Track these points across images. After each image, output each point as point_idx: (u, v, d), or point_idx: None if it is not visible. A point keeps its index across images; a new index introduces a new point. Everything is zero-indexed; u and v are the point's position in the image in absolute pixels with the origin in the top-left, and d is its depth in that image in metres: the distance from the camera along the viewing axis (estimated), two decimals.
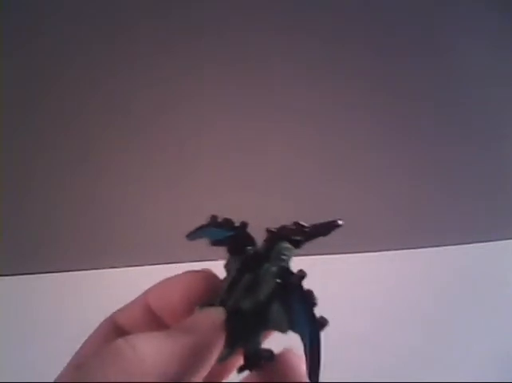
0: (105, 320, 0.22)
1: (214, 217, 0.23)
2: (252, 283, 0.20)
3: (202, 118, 0.58)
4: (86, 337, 0.21)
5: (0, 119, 0.53)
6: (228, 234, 0.23)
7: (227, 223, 0.23)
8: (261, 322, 0.20)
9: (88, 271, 0.53)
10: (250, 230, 0.23)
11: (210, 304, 0.20)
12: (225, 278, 0.22)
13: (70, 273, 0.52)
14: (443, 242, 0.62)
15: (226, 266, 0.22)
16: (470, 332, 0.58)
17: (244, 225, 0.23)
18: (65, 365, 0.21)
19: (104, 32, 0.56)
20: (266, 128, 0.60)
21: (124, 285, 0.52)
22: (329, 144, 0.62)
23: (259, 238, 0.23)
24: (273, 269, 0.21)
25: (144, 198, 0.56)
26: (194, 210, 0.56)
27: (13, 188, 0.53)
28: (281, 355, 0.20)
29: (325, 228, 0.22)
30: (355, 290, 0.56)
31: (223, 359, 0.19)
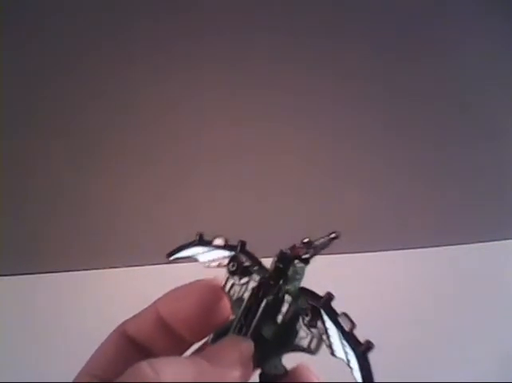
0: (116, 329, 0.22)
1: (200, 235, 0.22)
2: (270, 307, 0.20)
3: (202, 118, 0.58)
4: (98, 346, 0.21)
5: (0, 119, 0.53)
6: (225, 255, 0.22)
7: (220, 243, 0.22)
8: (285, 346, 0.20)
9: (88, 271, 0.53)
10: (252, 232, 0.22)
11: (226, 329, 0.20)
12: (235, 302, 0.21)
13: (70, 273, 0.52)
14: (443, 242, 0.62)
15: (225, 286, 0.21)
16: (470, 332, 0.58)
17: (243, 244, 0.22)
18: (67, 369, 0.20)
19: (104, 32, 0.56)
20: (267, 128, 0.60)
21: (124, 285, 0.52)
22: (329, 145, 0.62)
23: (261, 239, 0.22)
24: (292, 291, 0.20)
25: (144, 198, 0.56)
26: (195, 210, 0.56)
27: (13, 188, 0.53)
28: (295, 370, 0.20)
29: (326, 242, 0.21)
30: (355, 289, 0.56)
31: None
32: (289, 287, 0.20)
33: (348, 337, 0.18)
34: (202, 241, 0.23)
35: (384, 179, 0.64)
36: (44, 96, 0.54)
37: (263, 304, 0.20)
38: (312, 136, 0.62)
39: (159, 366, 0.16)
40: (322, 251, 0.21)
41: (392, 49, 0.66)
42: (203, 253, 0.22)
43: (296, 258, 0.21)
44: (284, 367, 0.20)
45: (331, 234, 0.21)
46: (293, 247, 0.21)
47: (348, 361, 0.18)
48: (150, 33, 0.57)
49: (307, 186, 0.61)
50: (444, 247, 0.62)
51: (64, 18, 0.55)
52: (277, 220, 0.54)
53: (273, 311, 0.20)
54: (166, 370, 0.16)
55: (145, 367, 0.16)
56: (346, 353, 0.18)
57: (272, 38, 0.61)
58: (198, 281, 0.22)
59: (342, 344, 0.18)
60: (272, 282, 0.21)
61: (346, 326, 0.18)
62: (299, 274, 0.21)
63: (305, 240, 0.21)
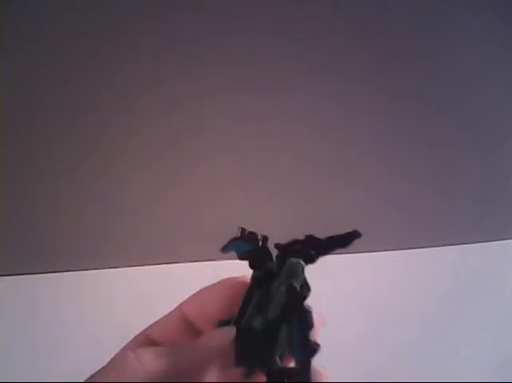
0: (138, 335, 0.22)
1: (243, 230, 0.23)
2: (262, 302, 0.20)
3: (202, 118, 0.58)
4: (107, 349, 0.21)
5: (0, 119, 0.53)
6: (250, 249, 0.22)
7: (250, 237, 0.22)
8: (271, 342, 0.20)
9: (88, 271, 0.53)
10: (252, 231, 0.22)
11: (229, 321, 0.21)
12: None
13: (70, 273, 0.52)
14: (443, 242, 0.62)
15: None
16: (469, 332, 0.58)
17: (265, 239, 0.22)
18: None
19: (104, 32, 0.56)
20: (268, 128, 0.60)
21: (124, 285, 0.52)
22: (330, 145, 0.62)
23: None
24: (282, 288, 0.20)
25: (144, 198, 0.56)
26: (195, 210, 0.56)
27: (13, 188, 0.53)
28: None
29: (344, 240, 0.21)
30: (355, 289, 0.56)
31: (245, 378, 0.19)
32: (281, 283, 0.20)
33: (303, 335, 0.19)
34: (242, 236, 0.23)
35: (384, 179, 0.64)
36: (44, 96, 0.54)
37: (254, 298, 0.21)
38: (312, 136, 0.62)
39: (140, 353, 0.18)
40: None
41: (391, 49, 0.66)
42: (240, 247, 0.23)
43: (294, 254, 0.21)
44: (293, 369, 0.20)
45: (353, 231, 0.21)
46: (292, 242, 0.21)
47: (295, 359, 0.19)
48: (150, 33, 0.57)
49: (307, 186, 0.61)
50: (444, 247, 0.62)
51: (64, 18, 0.55)
52: (277, 220, 0.54)
53: (264, 306, 0.20)
54: (146, 356, 0.18)
55: (130, 354, 0.18)
56: (297, 353, 0.19)
57: (272, 38, 0.61)
58: (225, 280, 0.22)
59: (297, 344, 0.19)
60: (267, 276, 0.21)
61: (305, 327, 0.19)
62: (294, 271, 0.21)
63: (310, 235, 0.21)
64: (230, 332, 0.20)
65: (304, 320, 0.19)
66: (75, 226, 0.54)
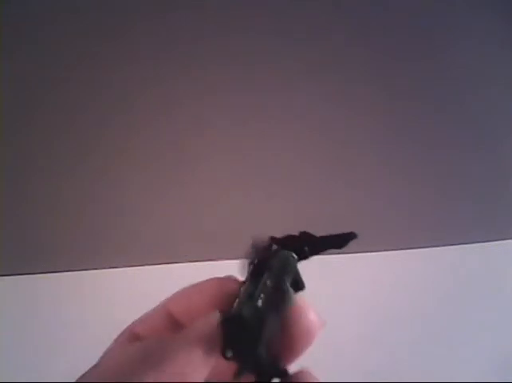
0: (123, 332, 0.22)
1: (254, 239, 0.23)
2: (253, 291, 0.21)
3: (202, 118, 0.58)
4: (104, 350, 0.22)
5: (0, 119, 0.53)
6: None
7: (262, 249, 0.23)
8: (258, 331, 0.20)
9: (88, 271, 0.53)
10: (252, 231, 0.23)
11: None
12: None
13: (70, 273, 0.52)
14: (443, 242, 0.62)
15: None
16: (469, 332, 0.58)
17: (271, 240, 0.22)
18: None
19: (104, 32, 0.56)
20: (267, 128, 0.60)
21: (124, 285, 0.52)
22: (329, 145, 0.62)
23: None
24: (269, 282, 0.21)
25: (144, 198, 0.56)
26: (195, 210, 0.56)
27: (13, 188, 0.53)
28: (296, 375, 0.20)
29: (340, 240, 0.21)
30: (355, 289, 0.56)
31: (238, 375, 0.20)
32: (269, 277, 0.21)
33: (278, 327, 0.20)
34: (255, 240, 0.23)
35: (384, 179, 0.64)
36: (44, 96, 0.54)
37: (244, 288, 0.21)
38: (312, 136, 0.62)
39: (127, 348, 0.20)
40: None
41: (391, 49, 0.66)
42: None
43: (288, 248, 0.21)
44: (284, 369, 0.20)
45: (350, 233, 0.21)
46: (287, 237, 0.22)
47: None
48: (151, 33, 0.57)
49: (307, 186, 0.61)
50: (444, 247, 0.62)
51: (65, 18, 0.55)
52: (277, 220, 0.54)
53: (253, 295, 0.20)
54: (132, 351, 0.19)
55: (116, 349, 0.20)
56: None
57: (272, 39, 0.61)
58: (211, 278, 0.22)
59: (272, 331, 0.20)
60: (259, 268, 0.21)
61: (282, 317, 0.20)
62: (286, 264, 0.21)
63: (305, 232, 0.21)
64: (212, 319, 0.20)
65: (281, 312, 0.20)
66: (75, 226, 0.54)
